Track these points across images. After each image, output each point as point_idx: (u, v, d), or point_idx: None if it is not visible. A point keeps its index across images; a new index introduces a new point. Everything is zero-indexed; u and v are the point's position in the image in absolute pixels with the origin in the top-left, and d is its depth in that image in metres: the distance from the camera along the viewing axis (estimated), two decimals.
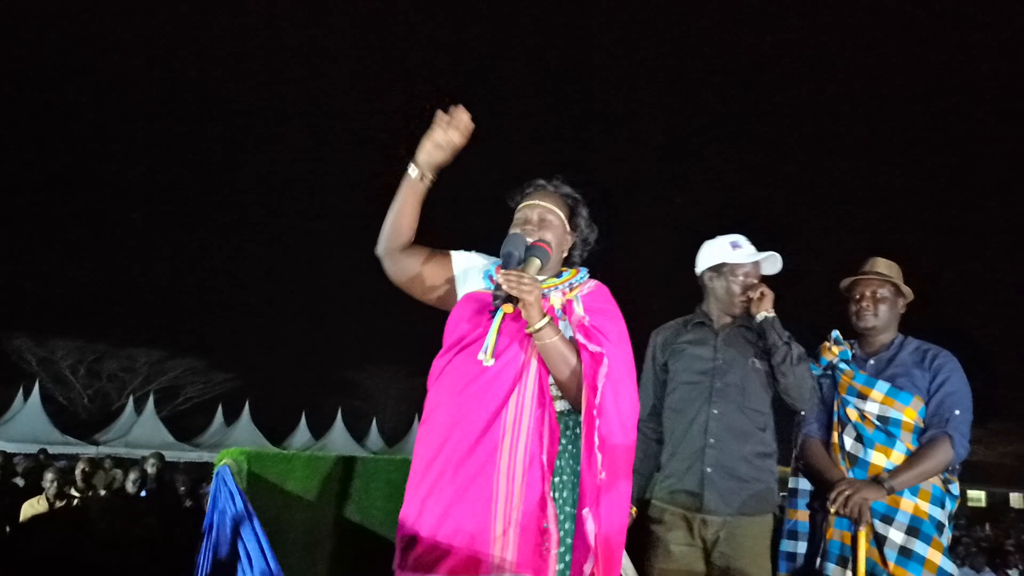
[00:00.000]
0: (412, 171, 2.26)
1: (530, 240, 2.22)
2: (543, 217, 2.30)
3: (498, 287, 2.08)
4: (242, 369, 34.25)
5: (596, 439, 2.05)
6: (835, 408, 2.95)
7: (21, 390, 21.85)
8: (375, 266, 2.37)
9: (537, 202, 2.32)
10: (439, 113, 2.22)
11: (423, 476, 2.10)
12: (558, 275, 2.31)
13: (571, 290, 2.26)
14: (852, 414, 2.89)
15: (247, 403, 26.17)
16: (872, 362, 2.95)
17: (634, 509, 2.77)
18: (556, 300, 2.22)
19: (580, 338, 2.12)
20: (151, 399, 24.58)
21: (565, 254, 2.36)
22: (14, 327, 30.38)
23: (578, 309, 2.19)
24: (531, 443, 2.07)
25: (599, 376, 2.07)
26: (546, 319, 2.08)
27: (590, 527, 2.04)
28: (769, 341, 2.72)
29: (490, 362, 2.10)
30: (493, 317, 2.13)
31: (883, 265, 3.00)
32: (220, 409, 26.85)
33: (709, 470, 2.70)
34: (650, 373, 2.93)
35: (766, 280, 2.90)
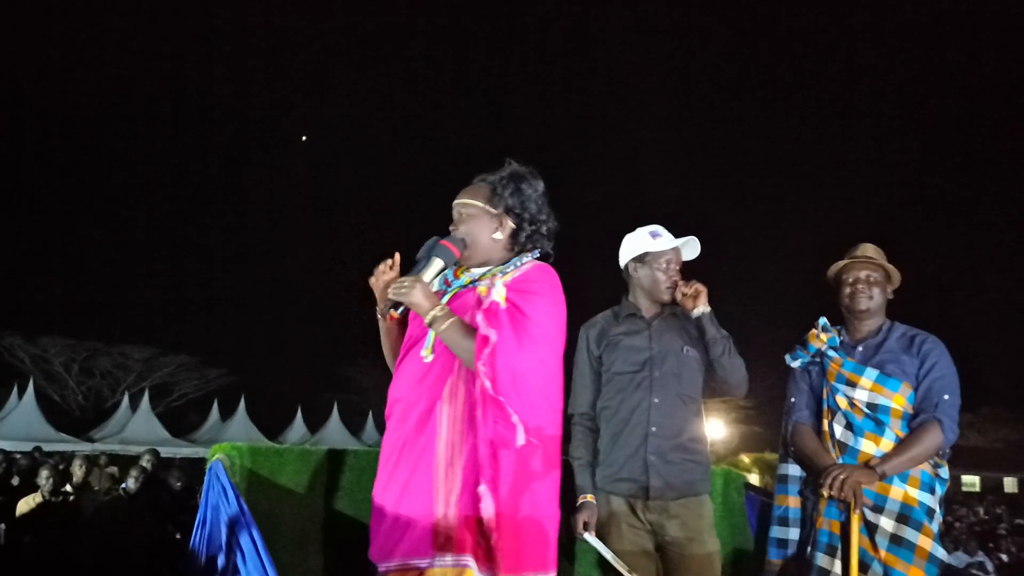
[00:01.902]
0: (379, 315, 2.43)
1: (460, 239, 2.35)
2: (459, 213, 2.40)
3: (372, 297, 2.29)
4: (237, 365, 34.21)
5: (479, 412, 2.14)
6: (824, 396, 2.96)
7: (15, 388, 21.80)
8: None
9: (457, 200, 2.42)
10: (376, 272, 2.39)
11: (382, 470, 2.25)
12: (505, 262, 2.37)
13: (504, 276, 2.32)
14: (841, 402, 2.90)
15: (242, 398, 26.12)
16: (860, 349, 2.96)
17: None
18: (483, 289, 2.29)
19: (479, 320, 2.19)
20: (146, 395, 24.53)
21: (501, 236, 2.39)
22: (5, 326, 30.27)
23: (495, 294, 2.25)
24: (465, 430, 2.17)
25: (483, 355, 2.14)
26: (434, 311, 2.20)
27: (486, 505, 2.09)
28: (708, 336, 2.80)
29: (429, 358, 2.25)
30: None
31: (872, 250, 3.02)
32: (216, 405, 26.80)
33: (652, 457, 2.77)
34: (586, 367, 2.98)
35: (685, 270, 2.97)
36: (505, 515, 2.10)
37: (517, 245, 2.41)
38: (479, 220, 2.37)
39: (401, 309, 2.29)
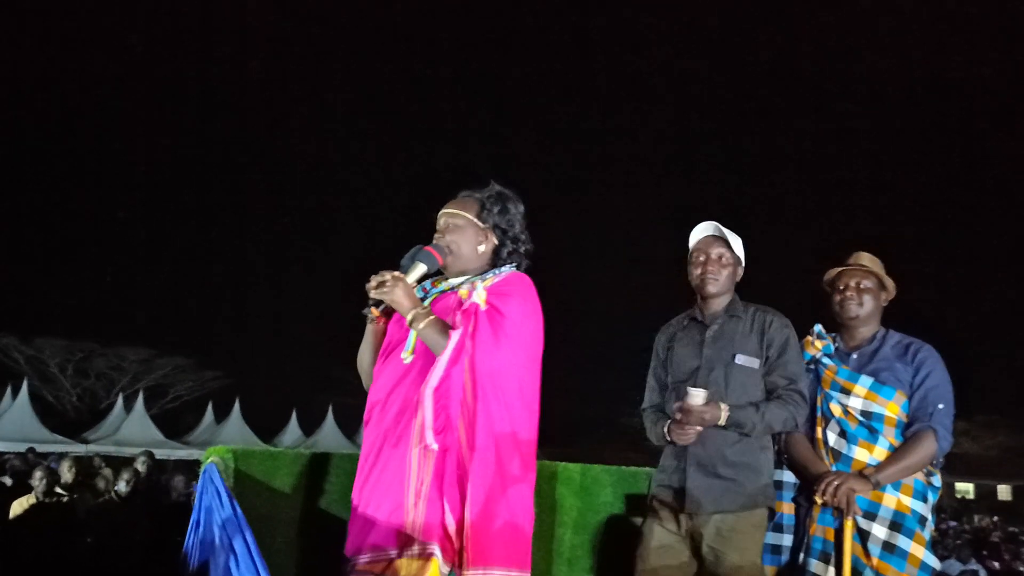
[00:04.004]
0: (368, 319, 2.50)
1: (440, 248, 2.42)
2: (447, 223, 2.47)
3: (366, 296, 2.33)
4: (232, 367, 34.14)
5: (430, 406, 2.21)
6: (818, 403, 2.96)
7: (9, 389, 21.72)
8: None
9: (445, 210, 2.50)
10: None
11: (361, 469, 2.32)
12: (482, 273, 2.45)
13: (484, 282, 2.39)
14: (835, 409, 2.91)
15: (237, 400, 26.04)
16: (855, 356, 2.97)
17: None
18: (464, 293, 2.38)
19: (457, 320, 2.28)
20: (140, 397, 24.42)
21: (484, 249, 2.48)
22: (0, 326, 30.16)
23: (475, 297, 2.33)
24: (439, 429, 2.24)
25: (450, 347, 2.23)
26: (415, 309, 2.28)
27: (446, 504, 2.18)
28: (743, 432, 2.75)
29: (409, 359, 2.32)
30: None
31: (867, 258, 3.04)
32: (210, 407, 26.71)
33: (692, 468, 2.75)
34: (652, 371, 3.05)
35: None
36: (476, 513, 2.15)
37: (498, 260, 2.50)
38: (466, 231, 2.45)
39: (383, 307, 2.35)
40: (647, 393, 3.04)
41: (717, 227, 2.93)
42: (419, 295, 2.47)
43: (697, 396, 2.69)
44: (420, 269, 2.36)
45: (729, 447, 2.74)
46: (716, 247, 2.90)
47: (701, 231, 2.95)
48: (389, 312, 2.42)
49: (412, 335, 2.34)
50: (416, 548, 2.16)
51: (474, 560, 2.14)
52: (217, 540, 2.27)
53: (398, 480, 2.22)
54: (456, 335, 2.24)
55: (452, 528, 2.16)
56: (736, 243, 2.93)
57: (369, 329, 2.52)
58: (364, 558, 2.20)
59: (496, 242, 2.48)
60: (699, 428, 2.72)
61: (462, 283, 2.43)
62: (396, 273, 2.32)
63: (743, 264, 2.97)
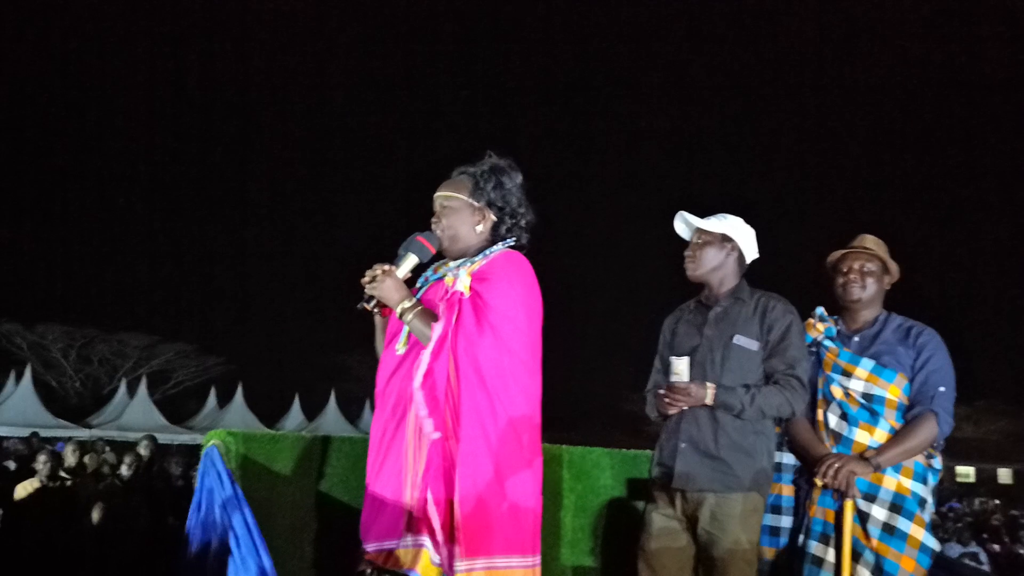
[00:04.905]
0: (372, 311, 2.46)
1: (437, 235, 2.41)
2: (442, 206, 2.44)
3: (362, 290, 2.34)
4: (235, 353, 34.24)
5: (421, 400, 2.22)
6: (819, 385, 2.96)
7: (12, 374, 21.80)
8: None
9: (439, 192, 2.46)
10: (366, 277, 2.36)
11: (370, 457, 2.35)
12: (478, 253, 2.41)
13: (471, 265, 2.36)
14: (836, 392, 2.91)
15: (240, 386, 26.10)
16: (856, 339, 2.96)
17: None
18: (450, 280, 2.36)
19: (441, 311, 2.27)
20: (143, 382, 24.50)
21: (482, 228, 2.43)
22: (4, 313, 30.24)
23: (459, 284, 2.31)
24: (431, 418, 2.25)
25: (432, 340, 2.23)
26: (403, 303, 2.28)
27: (430, 496, 2.19)
28: (733, 413, 2.73)
29: (402, 350, 2.33)
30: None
31: (871, 241, 3.02)
32: (213, 392, 26.79)
33: (683, 445, 2.76)
34: (659, 354, 3.05)
35: None
36: (466, 503, 2.14)
37: (497, 237, 2.45)
38: (461, 213, 2.41)
39: (374, 302, 2.34)
40: (652, 374, 3.06)
41: (681, 216, 2.97)
42: (420, 282, 2.47)
43: (679, 363, 2.73)
44: (411, 260, 2.35)
45: (722, 428, 2.74)
46: (694, 236, 2.95)
47: (677, 228, 3.01)
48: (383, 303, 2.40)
49: (406, 327, 2.33)
50: (410, 539, 2.18)
51: (468, 551, 2.12)
52: (218, 520, 2.28)
53: (397, 471, 2.24)
54: (438, 328, 2.23)
55: (439, 520, 2.16)
56: (714, 224, 2.91)
57: (377, 322, 2.51)
58: (371, 546, 2.23)
59: (494, 219, 2.43)
60: (684, 398, 2.73)
61: (453, 268, 2.40)
62: (386, 267, 2.30)
63: (735, 240, 2.92)
